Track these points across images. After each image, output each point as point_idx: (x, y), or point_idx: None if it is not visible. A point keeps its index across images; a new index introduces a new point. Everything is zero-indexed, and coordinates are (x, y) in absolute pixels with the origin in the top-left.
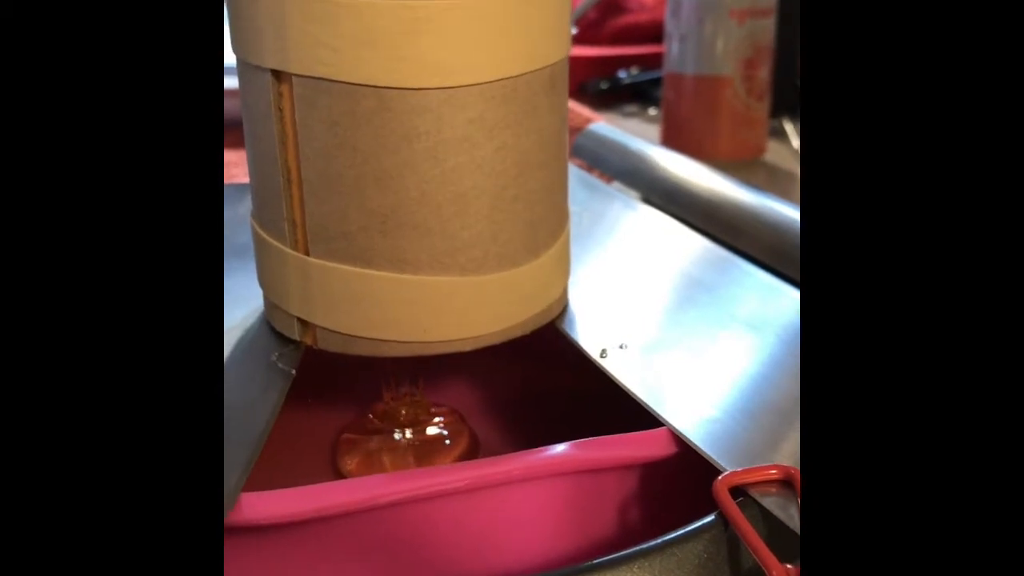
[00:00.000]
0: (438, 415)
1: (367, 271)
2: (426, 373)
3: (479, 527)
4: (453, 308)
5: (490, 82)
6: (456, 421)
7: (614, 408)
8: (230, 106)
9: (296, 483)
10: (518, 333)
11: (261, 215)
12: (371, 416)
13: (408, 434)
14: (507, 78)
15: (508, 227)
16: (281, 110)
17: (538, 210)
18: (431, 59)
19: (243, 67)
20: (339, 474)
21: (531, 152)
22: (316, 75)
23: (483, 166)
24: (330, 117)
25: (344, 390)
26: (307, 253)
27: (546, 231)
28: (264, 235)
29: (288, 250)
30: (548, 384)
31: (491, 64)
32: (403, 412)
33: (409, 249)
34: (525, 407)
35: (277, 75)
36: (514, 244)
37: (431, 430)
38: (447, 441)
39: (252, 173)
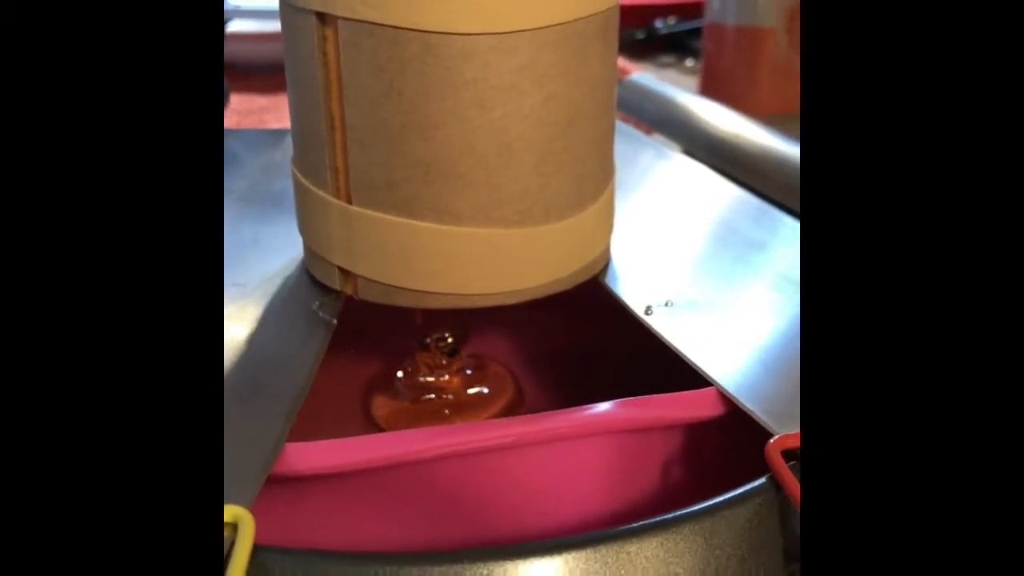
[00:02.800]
0: (482, 367)
1: (410, 221)
2: (467, 327)
3: (522, 484)
4: (496, 261)
5: (542, 28)
6: (502, 374)
7: (659, 366)
8: (263, 49)
9: (327, 430)
10: (561, 288)
11: (303, 162)
12: (408, 368)
13: (446, 383)
14: (560, 24)
15: (555, 179)
16: (325, 54)
17: (586, 163)
18: (479, 2)
19: (286, 9)
20: (371, 422)
21: (581, 102)
22: (361, 18)
23: (531, 116)
24: (375, 62)
25: (376, 336)
26: (349, 201)
27: (593, 184)
28: (305, 182)
29: (330, 198)
30: (591, 340)
31: (543, 8)
32: (442, 363)
33: (453, 200)
34: (568, 363)
35: (322, 17)
36: (561, 197)
37: (471, 387)
38: (488, 394)
39: (294, 119)
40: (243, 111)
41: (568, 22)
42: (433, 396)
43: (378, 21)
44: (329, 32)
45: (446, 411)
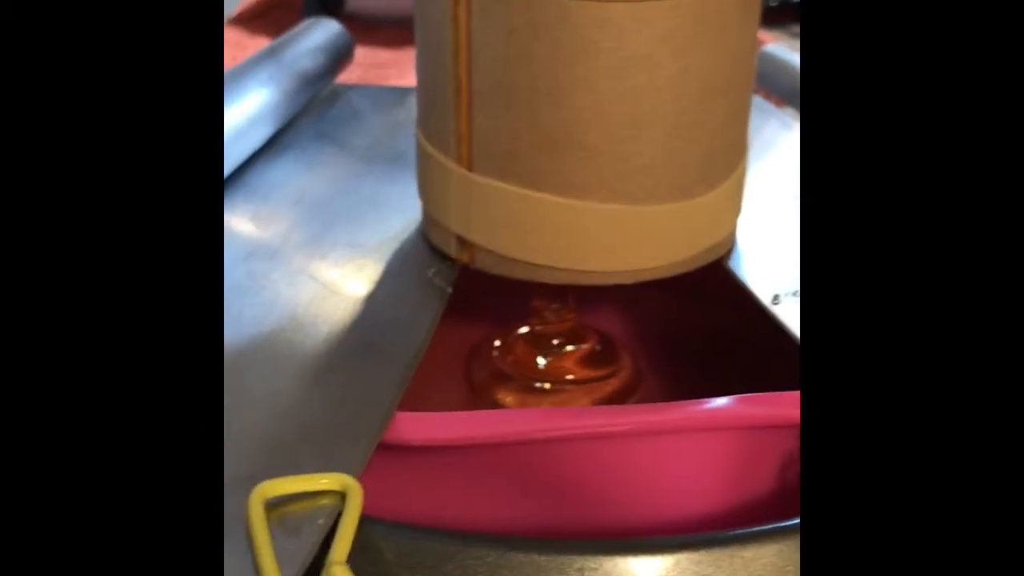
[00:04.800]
0: (601, 345)
1: (531, 193)
2: (580, 300)
3: (634, 474)
4: (617, 238)
5: None
6: (620, 353)
7: (780, 358)
8: (389, 3)
9: (429, 396)
10: (683, 269)
11: (426, 126)
12: (521, 341)
13: (561, 358)
14: None
15: (684, 155)
16: (457, 16)
17: (718, 139)
18: None
19: None
20: (475, 391)
21: (717, 76)
22: None
23: (664, 88)
24: (507, 25)
25: (488, 305)
26: (471, 169)
27: (724, 162)
28: (428, 147)
29: (452, 164)
30: (709, 325)
31: None
32: (556, 340)
33: (577, 172)
34: (682, 347)
35: None
36: (689, 174)
37: (588, 364)
38: (603, 373)
39: (420, 80)
40: (366, 65)
41: None
42: (546, 372)
43: None
44: None
45: (559, 388)
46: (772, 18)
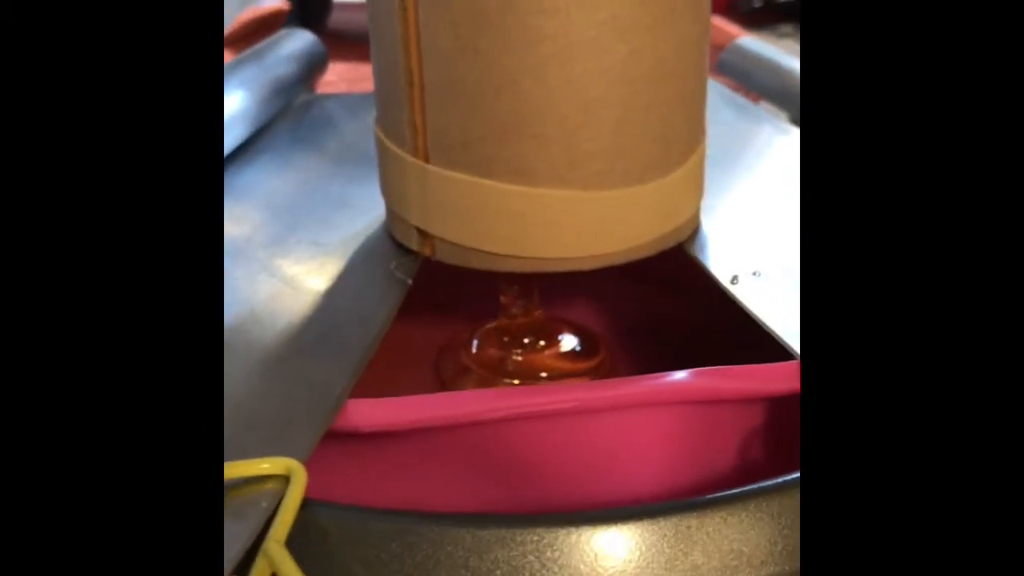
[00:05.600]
0: (575, 337)
1: (486, 182)
2: (545, 292)
3: (587, 451)
4: (574, 224)
5: None
6: (591, 343)
7: (744, 339)
8: (367, 20)
9: (398, 394)
10: (643, 254)
11: (384, 121)
12: (489, 334)
13: (532, 351)
14: None
15: (638, 140)
16: (405, 10)
17: (672, 123)
18: None
19: None
20: (442, 387)
21: (667, 59)
22: None
23: (613, 72)
24: (453, 18)
25: (459, 300)
26: (427, 161)
27: (679, 146)
28: (386, 141)
29: (408, 157)
30: (674, 309)
31: None
32: (524, 334)
33: (530, 160)
34: (648, 332)
35: None
36: (643, 158)
37: (557, 355)
38: (574, 364)
39: (376, 77)
40: (351, 79)
41: None
42: (517, 370)
43: None
44: None
45: (526, 380)
46: (756, 18)
